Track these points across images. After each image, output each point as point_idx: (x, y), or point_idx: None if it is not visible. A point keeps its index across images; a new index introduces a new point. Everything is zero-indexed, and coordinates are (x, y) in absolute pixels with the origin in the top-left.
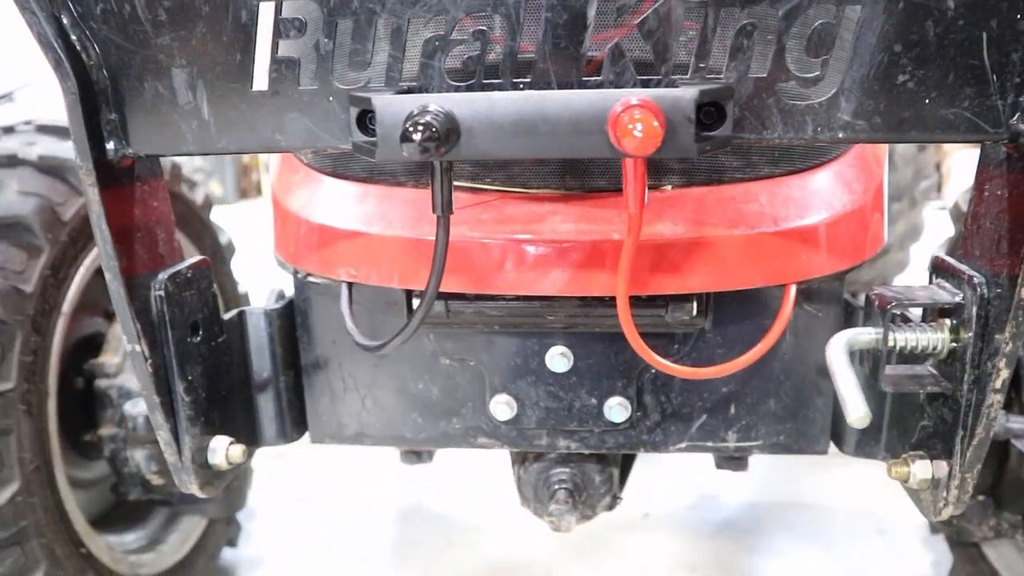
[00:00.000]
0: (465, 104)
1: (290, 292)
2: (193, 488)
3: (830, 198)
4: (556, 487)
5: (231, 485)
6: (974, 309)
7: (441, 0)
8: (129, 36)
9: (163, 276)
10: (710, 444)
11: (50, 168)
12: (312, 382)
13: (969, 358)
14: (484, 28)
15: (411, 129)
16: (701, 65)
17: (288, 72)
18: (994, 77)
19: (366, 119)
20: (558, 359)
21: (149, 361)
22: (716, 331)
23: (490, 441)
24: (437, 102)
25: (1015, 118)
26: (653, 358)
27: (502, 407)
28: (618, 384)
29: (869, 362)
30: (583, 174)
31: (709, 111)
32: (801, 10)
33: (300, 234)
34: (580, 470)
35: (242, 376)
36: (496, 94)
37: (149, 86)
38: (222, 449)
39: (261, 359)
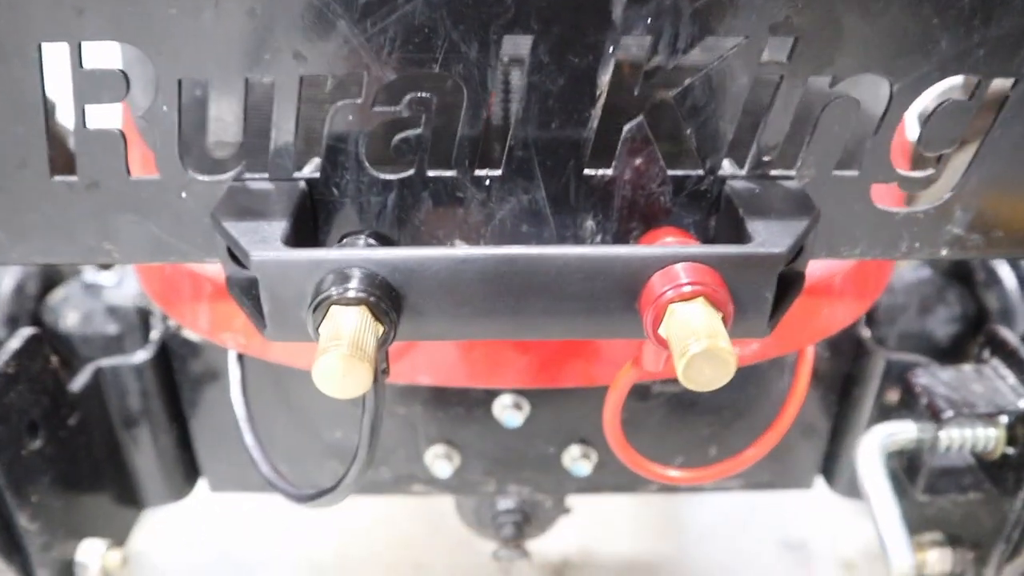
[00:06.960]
0: (405, 264)
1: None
2: None
3: None
4: (502, 520)
5: None
6: None
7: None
8: None
9: None
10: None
11: None
12: (202, 431)
13: None
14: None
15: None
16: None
17: (107, 153)
18: None
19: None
20: (509, 412)
21: None
22: None
23: (427, 488)
24: (362, 260)
25: None
26: (653, 472)
27: (440, 461)
28: (580, 433)
29: (903, 461)
30: None
31: None
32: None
33: (165, 273)
34: (531, 497)
35: (108, 447)
36: (456, 251)
37: None
38: (96, 560)
39: (131, 421)
